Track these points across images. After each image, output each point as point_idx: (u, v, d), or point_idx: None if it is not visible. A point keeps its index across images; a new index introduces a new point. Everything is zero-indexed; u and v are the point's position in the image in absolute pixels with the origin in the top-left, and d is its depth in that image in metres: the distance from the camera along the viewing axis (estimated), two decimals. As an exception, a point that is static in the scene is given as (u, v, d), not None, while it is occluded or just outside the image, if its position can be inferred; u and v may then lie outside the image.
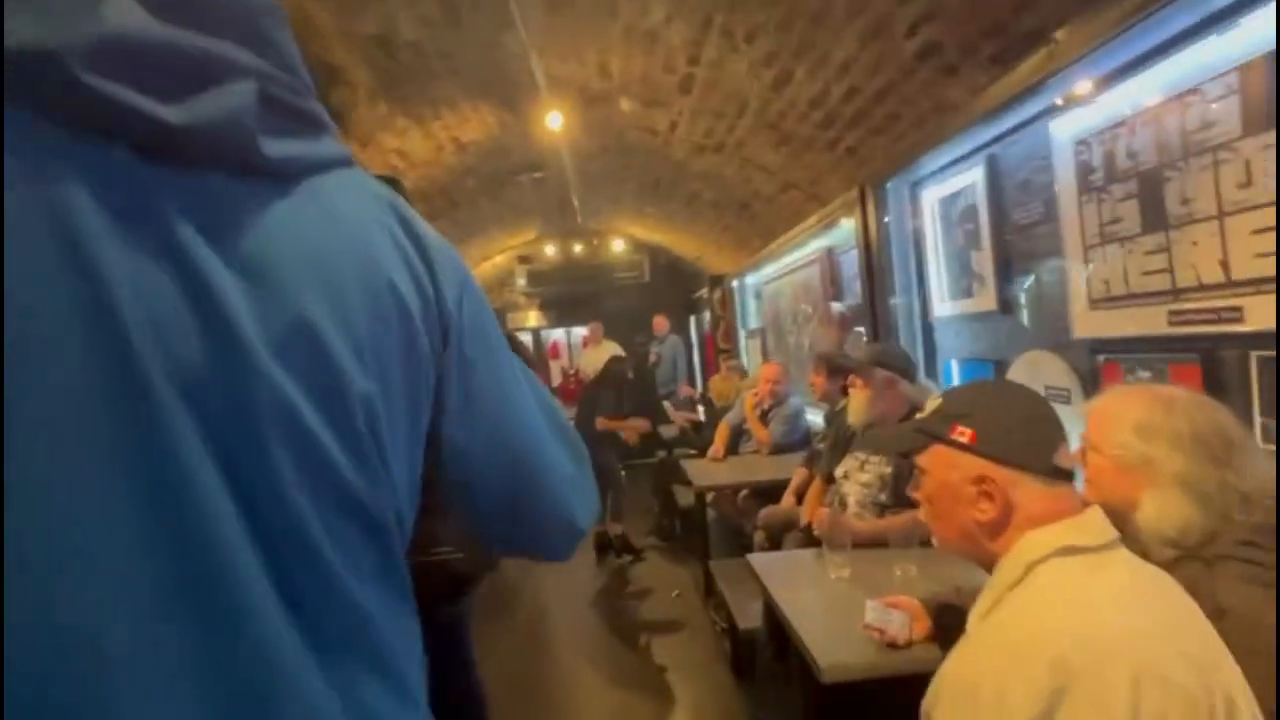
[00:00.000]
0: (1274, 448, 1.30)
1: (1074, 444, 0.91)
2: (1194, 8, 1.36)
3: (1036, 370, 1.99)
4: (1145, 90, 1.55)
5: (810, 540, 2.23)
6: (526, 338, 7.55)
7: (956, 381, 2.54)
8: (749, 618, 2.39)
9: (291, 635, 0.37)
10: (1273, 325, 1.26)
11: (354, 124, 0.59)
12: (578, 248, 6.56)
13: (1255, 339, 1.33)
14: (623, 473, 4.27)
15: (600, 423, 4.18)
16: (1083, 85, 1.72)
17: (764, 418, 3.68)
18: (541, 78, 2.75)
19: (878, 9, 1.99)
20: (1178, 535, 0.91)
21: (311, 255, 0.41)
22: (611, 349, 6.85)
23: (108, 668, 0.32)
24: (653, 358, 6.87)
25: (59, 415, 0.32)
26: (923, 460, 0.92)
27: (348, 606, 0.40)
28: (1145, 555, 0.84)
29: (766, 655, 2.47)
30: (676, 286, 7.41)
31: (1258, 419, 1.34)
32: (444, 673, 0.73)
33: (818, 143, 2.96)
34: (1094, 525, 0.78)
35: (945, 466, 0.86)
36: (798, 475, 2.93)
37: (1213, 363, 1.44)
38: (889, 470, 2.04)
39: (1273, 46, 1.21)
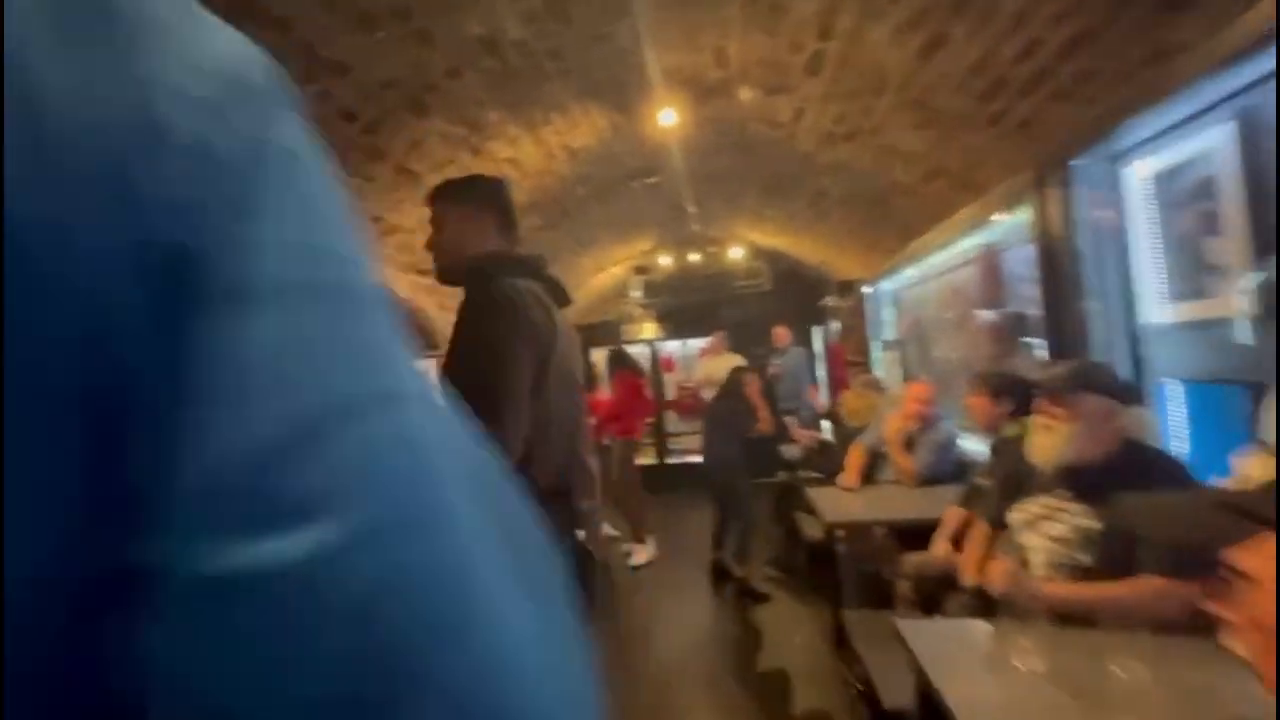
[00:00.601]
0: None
1: None
2: None
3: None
4: None
5: (979, 605, 1.78)
6: (642, 350, 7.43)
7: (1180, 409, 1.96)
8: (895, 692, 1.97)
9: None
10: None
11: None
12: (694, 256, 6.32)
13: None
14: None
15: (759, 427, 3.90)
16: None
17: (908, 444, 3.19)
18: (654, 70, 2.54)
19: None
20: None
21: None
22: (734, 361, 6.51)
23: None
24: (773, 370, 6.45)
25: None
26: (1252, 561, 0.56)
27: None
28: None
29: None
30: (799, 295, 6.93)
31: None
32: None
33: (976, 119, 2.48)
34: None
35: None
36: (952, 517, 2.45)
37: None
38: (1094, 524, 1.56)
39: None
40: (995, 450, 2.33)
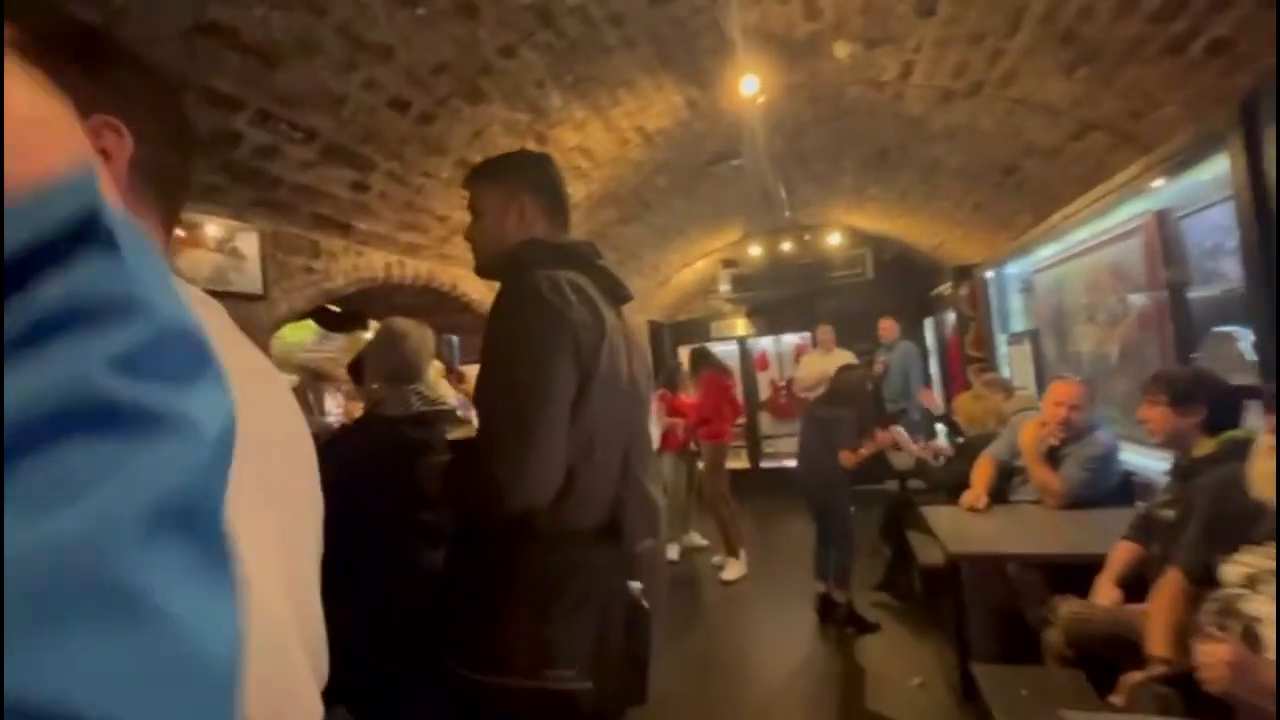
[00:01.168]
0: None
1: None
2: None
3: None
4: None
5: (1174, 690, 1.32)
6: (731, 348, 7.05)
7: None
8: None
9: None
10: None
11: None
12: (786, 245, 5.85)
13: None
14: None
15: (846, 457, 3.46)
16: None
17: (1051, 456, 2.64)
18: (732, 28, 2.21)
19: None
20: None
21: None
22: (843, 358, 5.97)
23: None
24: (878, 368, 5.86)
25: None
26: None
27: None
28: None
29: None
30: (907, 284, 6.26)
31: None
32: None
33: (1147, 47, 1.95)
34: None
35: None
36: (1122, 553, 1.93)
37: None
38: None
39: None
40: (1182, 473, 1.80)
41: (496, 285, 1.14)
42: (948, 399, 5.72)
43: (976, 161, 3.30)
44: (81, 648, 0.17)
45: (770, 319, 6.89)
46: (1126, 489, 2.57)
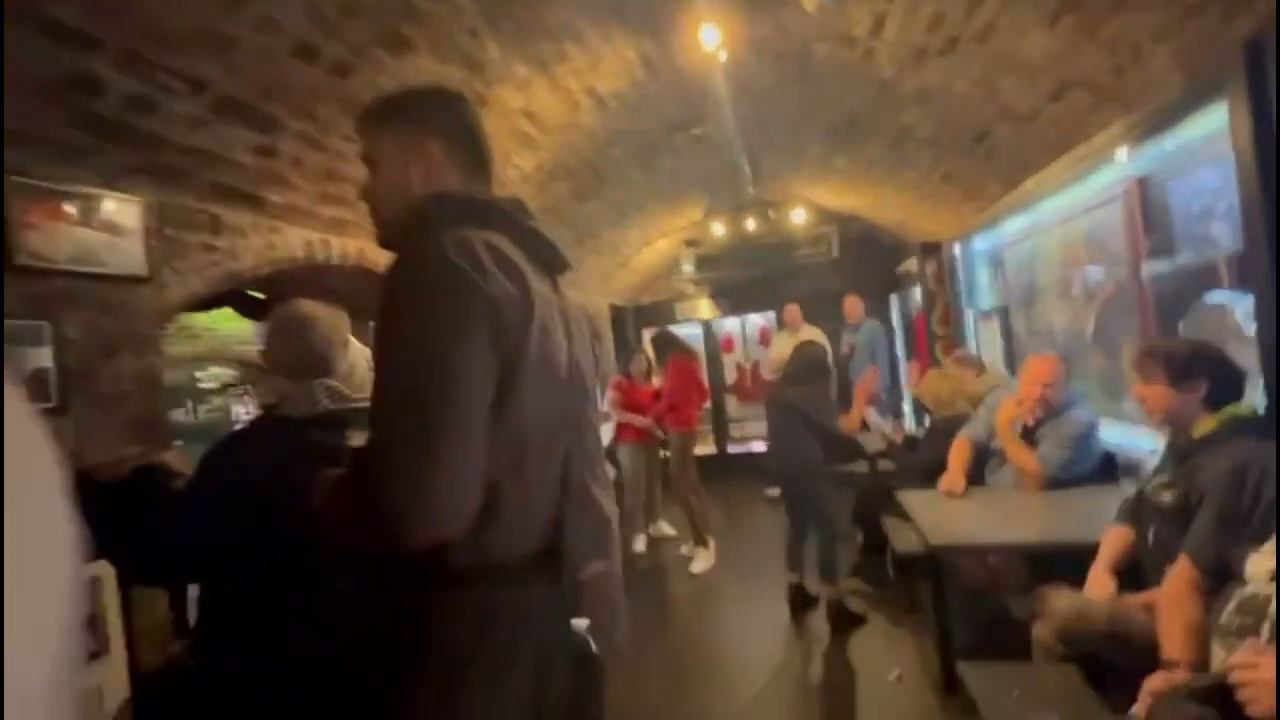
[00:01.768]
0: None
1: None
2: None
3: None
4: None
5: (1204, 704, 1.17)
6: (696, 331, 6.86)
7: None
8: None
9: None
10: None
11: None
12: (750, 223, 5.67)
13: None
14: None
15: (848, 422, 3.32)
16: None
17: (1028, 436, 2.52)
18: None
19: None
20: None
21: None
22: (811, 335, 5.82)
23: None
24: (844, 348, 5.76)
25: None
26: None
27: None
28: None
29: None
30: (872, 262, 6.17)
31: None
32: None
33: (1141, -8, 1.78)
34: None
35: None
36: (1114, 540, 1.81)
37: None
38: None
39: None
40: (1180, 453, 1.67)
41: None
42: (916, 377, 5.66)
43: (948, 128, 3.14)
44: None
45: (735, 300, 6.73)
46: (1108, 468, 2.47)
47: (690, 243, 6.09)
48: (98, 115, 1.59)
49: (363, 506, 0.76)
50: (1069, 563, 1.98)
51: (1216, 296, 1.95)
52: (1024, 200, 3.14)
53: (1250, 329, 1.79)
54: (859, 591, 3.43)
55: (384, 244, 1.02)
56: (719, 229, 5.69)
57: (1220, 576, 1.32)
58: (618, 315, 6.56)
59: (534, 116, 2.74)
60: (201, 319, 4.09)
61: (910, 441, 3.90)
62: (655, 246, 6.00)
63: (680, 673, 2.94)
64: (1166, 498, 1.64)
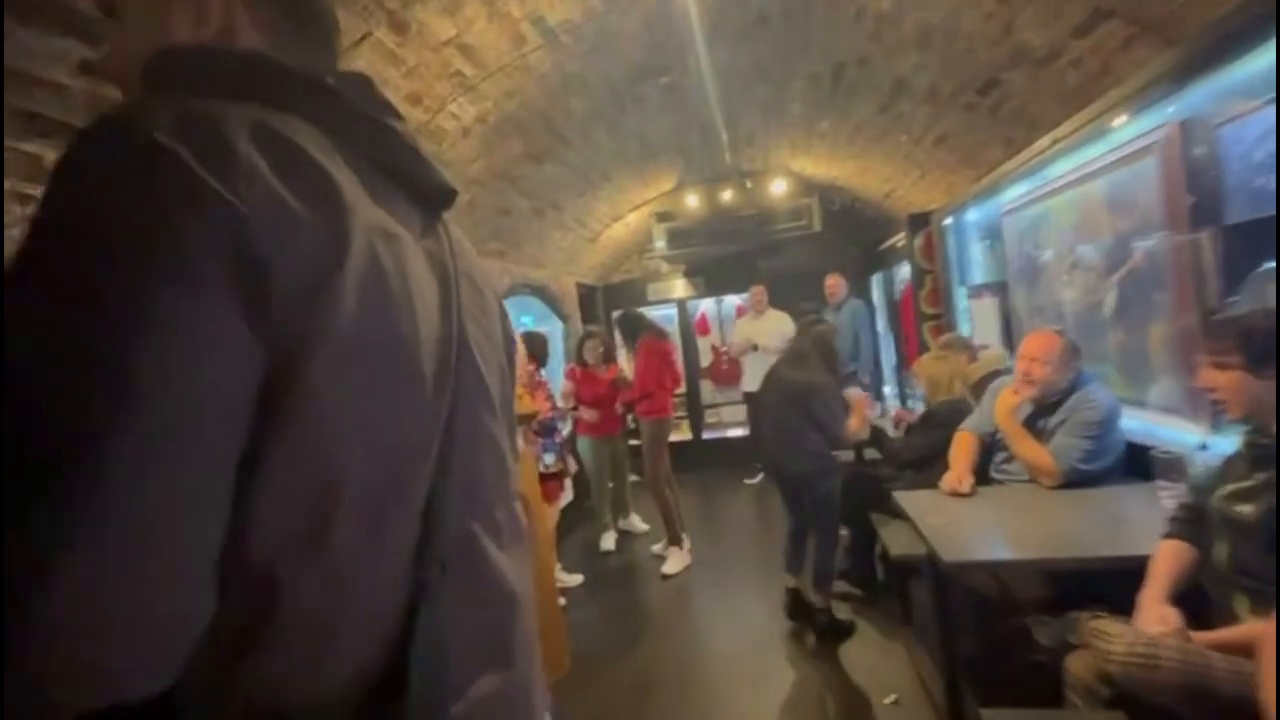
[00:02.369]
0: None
1: None
2: None
3: None
4: None
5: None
6: (670, 312, 6.48)
7: None
8: None
9: None
10: None
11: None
12: (726, 195, 5.27)
13: None
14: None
15: (858, 423, 2.98)
16: None
17: (1037, 425, 2.20)
18: None
19: None
20: None
21: None
22: (778, 321, 5.51)
23: None
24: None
25: None
26: None
27: None
28: None
29: None
30: (855, 237, 5.83)
31: None
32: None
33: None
34: None
35: None
36: (1169, 559, 1.48)
37: None
38: None
39: None
40: (1263, 454, 1.34)
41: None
42: (902, 362, 5.37)
43: (949, 77, 2.77)
44: None
45: (710, 279, 6.35)
46: (1136, 463, 2.17)
47: (662, 216, 5.68)
48: None
49: None
50: (1100, 578, 1.67)
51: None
52: (1032, 162, 2.79)
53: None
54: (845, 595, 3.13)
55: None
56: (693, 201, 5.29)
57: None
58: (586, 295, 6.14)
59: (471, 53, 2.30)
60: None
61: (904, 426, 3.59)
62: (625, 220, 5.58)
63: (650, 688, 2.60)
64: (1247, 510, 1.32)
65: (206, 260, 0.38)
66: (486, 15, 2.14)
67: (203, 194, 0.39)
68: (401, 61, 2.10)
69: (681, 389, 5.83)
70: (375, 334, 0.47)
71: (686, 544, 4.02)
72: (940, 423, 2.81)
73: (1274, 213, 1.63)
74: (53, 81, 1.51)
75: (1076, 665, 1.49)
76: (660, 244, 5.77)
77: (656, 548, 4.14)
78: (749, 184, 5.18)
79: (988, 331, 3.78)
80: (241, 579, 0.41)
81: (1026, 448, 2.20)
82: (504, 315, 0.77)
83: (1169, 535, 1.53)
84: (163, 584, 0.37)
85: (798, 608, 2.99)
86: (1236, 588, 1.34)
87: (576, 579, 3.81)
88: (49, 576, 0.33)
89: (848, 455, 3.85)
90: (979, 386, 2.98)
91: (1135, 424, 2.28)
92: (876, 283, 6.15)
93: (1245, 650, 1.23)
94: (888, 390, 6.00)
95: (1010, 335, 3.49)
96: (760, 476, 5.71)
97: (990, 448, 2.45)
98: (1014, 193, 3.24)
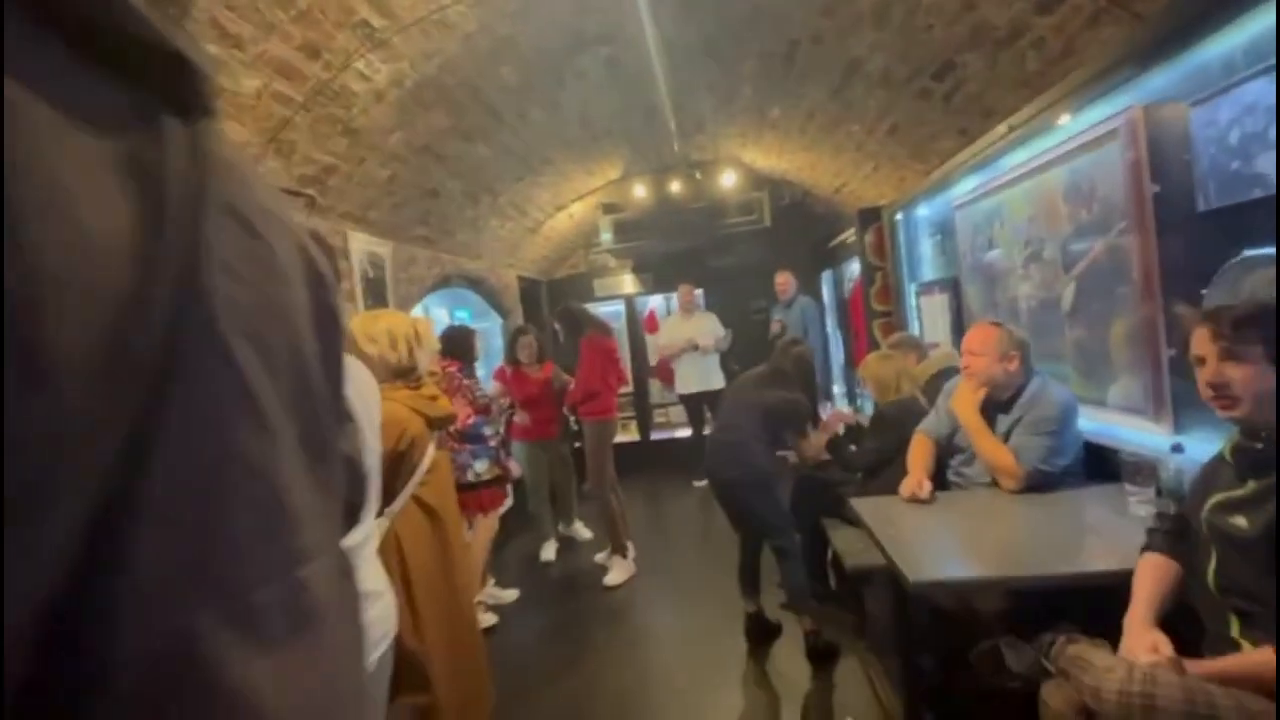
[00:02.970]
0: None
1: None
2: None
3: None
4: None
5: None
6: (616, 309, 6.24)
7: None
8: None
9: None
10: None
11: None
12: (675, 187, 5.07)
13: None
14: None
15: (812, 446, 2.82)
16: None
17: (994, 424, 2.07)
18: None
19: None
20: None
21: None
22: (705, 322, 5.34)
23: None
24: (775, 328, 5.32)
25: None
26: None
27: None
28: None
29: None
30: (807, 232, 5.73)
31: None
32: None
33: None
34: None
35: None
36: (1154, 578, 1.34)
37: None
38: None
39: None
40: (1261, 460, 1.20)
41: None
42: (850, 361, 5.29)
43: (904, 60, 2.63)
44: None
45: (658, 274, 6.14)
46: (1100, 462, 2.06)
47: (608, 207, 5.43)
48: None
49: None
50: (1074, 594, 1.52)
51: (1256, 249, 1.51)
52: (988, 152, 2.69)
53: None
54: (795, 607, 2.95)
55: None
56: (640, 192, 5.07)
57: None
58: (529, 289, 5.83)
59: (383, 7, 1.99)
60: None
61: (851, 431, 3.46)
62: (570, 211, 5.30)
63: (591, 715, 2.36)
64: (1241, 522, 1.17)
65: None
66: (394, -47, 1.85)
67: None
68: (290, 3, 1.79)
69: (628, 388, 5.59)
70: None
71: (631, 552, 3.79)
72: (891, 424, 2.67)
73: (1252, 198, 1.52)
74: None
75: (1056, 698, 1.33)
76: (607, 237, 5.52)
77: (600, 557, 3.89)
78: (698, 175, 5.00)
79: (939, 329, 3.70)
80: None
81: (988, 445, 2.07)
82: (321, 285, 0.50)
83: (1149, 549, 1.39)
84: None
85: (759, 632, 2.80)
86: (1228, 608, 1.20)
87: (512, 594, 3.52)
88: None
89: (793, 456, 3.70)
90: (930, 386, 2.87)
91: (1094, 424, 2.18)
92: (826, 280, 6.08)
93: (1249, 682, 1.08)
94: (836, 390, 5.94)
95: (962, 333, 3.41)
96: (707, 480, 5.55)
97: (947, 450, 2.31)
98: (967, 186, 3.14)
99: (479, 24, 2.32)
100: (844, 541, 2.58)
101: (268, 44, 1.88)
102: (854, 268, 5.16)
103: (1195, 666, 1.15)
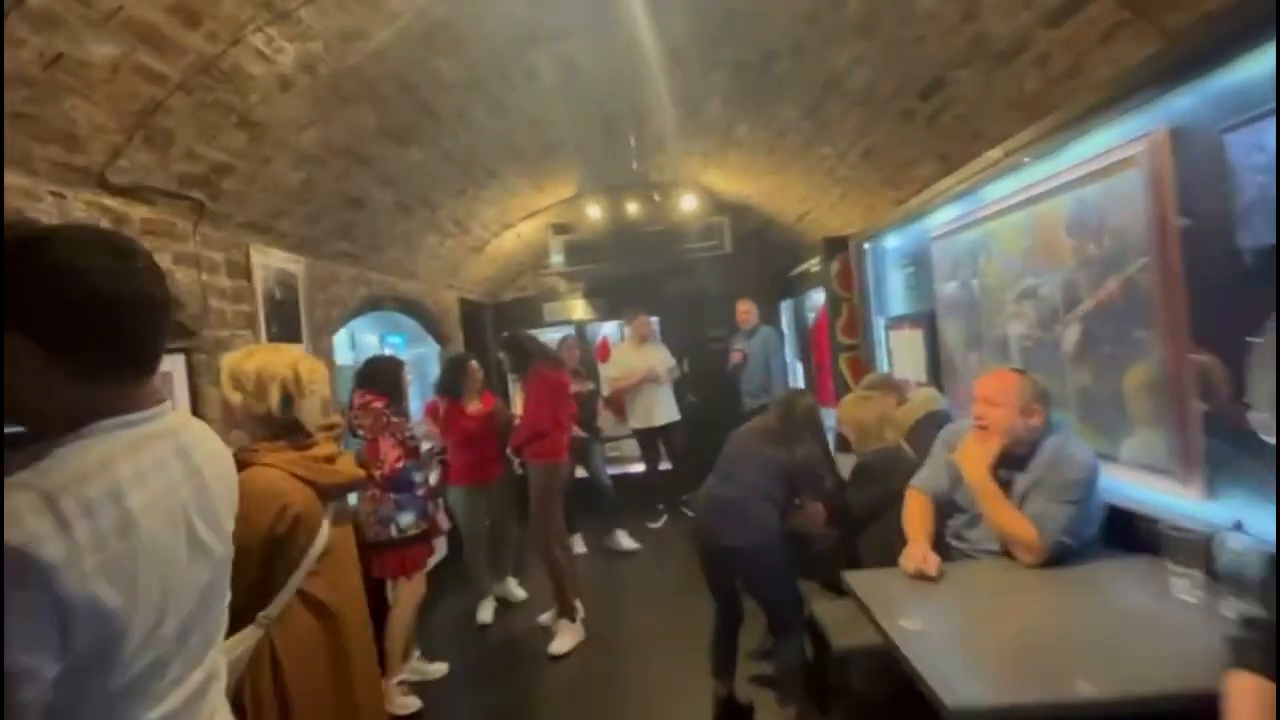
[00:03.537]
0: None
1: None
2: None
3: None
4: None
5: None
6: (557, 337, 5.85)
7: None
8: None
9: None
10: None
11: None
12: (632, 208, 4.77)
13: None
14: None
15: (816, 514, 2.49)
16: None
17: (1010, 485, 1.81)
18: None
19: None
20: None
21: None
22: (656, 355, 5.03)
23: None
24: (735, 358, 5.05)
25: None
26: None
27: None
28: None
29: None
30: (767, 261, 5.53)
31: None
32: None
33: None
34: None
35: None
36: (1254, 700, 1.05)
37: None
38: None
39: None
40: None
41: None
42: (814, 394, 5.06)
43: (890, 75, 2.42)
44: None
45: (612, 300, 5.81)
46: (1117, 528, 1.81)
47: (559, 228, 5.08)
48: None
49: None
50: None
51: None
52: (974, 180, 2.49)
53: None
54: (765, 678, 2.60)
55: None
56: (594, 211, 4.74)
57: None
58: (472, 313, 5.38)
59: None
60: None
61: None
62: (517, 230, 4.92)
63: None
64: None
65: None
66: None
67: None
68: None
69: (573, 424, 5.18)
70: None
71: (580, 613, 3.36)
72: (875, 476, 2.39)
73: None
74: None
75: None
76: (558, 259, 5.15)
77: (544, 618, 3.44)
78: (657, 197, 4.72)
79: (910, 366, 3.50)
80: None
81: (1005, 515, 1.79)
82: None
83: (1241, 665, 1.10)
84: None
85: (732, 716, 2.43)
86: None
87: (439, 669, 3.03)
88: None
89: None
90: (914, 432, 2.62)
91: (1104, 480, 1.94)
92: (785, 309, 5.89)
93: None
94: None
95: (938, 371, 3.20)
96: (664, 520, 5.17)
97: (946, 509, 2.03)
98: (946, 215, 2.95)
99: (410, 3, 1.95)
100: (829, 614, 2.25)
101: (124, 0, 1.46)
102: (817, 297, 4.97)
103: None
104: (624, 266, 5.34)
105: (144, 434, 0.83)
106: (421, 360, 4.90)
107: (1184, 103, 1.64)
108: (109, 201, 1.89)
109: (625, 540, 4.64)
